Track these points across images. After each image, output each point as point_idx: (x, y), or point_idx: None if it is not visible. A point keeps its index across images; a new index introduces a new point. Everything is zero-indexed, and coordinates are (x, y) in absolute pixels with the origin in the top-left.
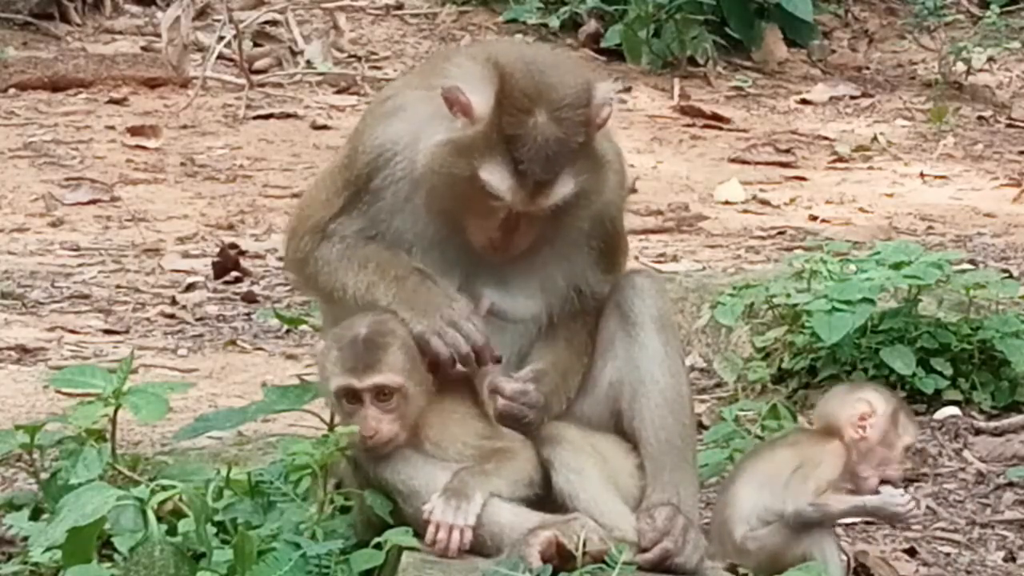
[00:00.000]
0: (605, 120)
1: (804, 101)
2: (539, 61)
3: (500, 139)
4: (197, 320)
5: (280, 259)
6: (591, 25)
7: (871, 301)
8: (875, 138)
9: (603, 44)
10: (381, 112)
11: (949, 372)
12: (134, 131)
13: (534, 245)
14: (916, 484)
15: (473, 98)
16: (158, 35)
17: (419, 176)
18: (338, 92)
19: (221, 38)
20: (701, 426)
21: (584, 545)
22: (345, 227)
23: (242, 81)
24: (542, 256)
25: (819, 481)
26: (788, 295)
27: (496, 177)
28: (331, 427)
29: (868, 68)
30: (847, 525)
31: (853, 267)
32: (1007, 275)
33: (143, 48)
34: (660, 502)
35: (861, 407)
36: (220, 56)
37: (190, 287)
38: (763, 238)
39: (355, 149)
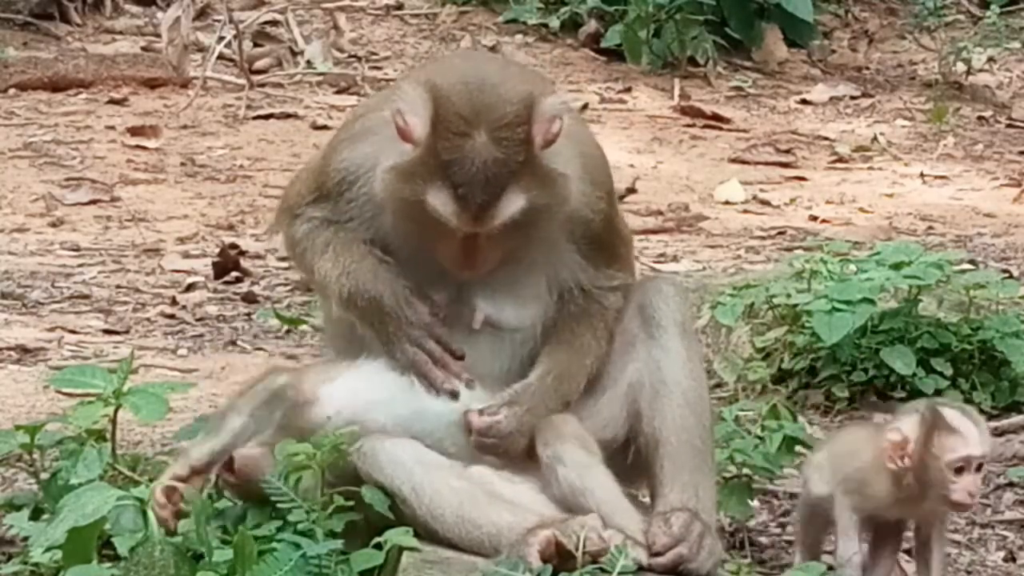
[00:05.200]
0: (553, 135)
1: (804, 101)
2: (480, 80)
3: (438, 164)
4: (197, 320)
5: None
6: (591, 25)
7: (871, 301)
8: (875, 138)
9: (603, 44)
10: (350, 134)
11: (949, 372)
12: (134, 131)
13: (512, 255)
14: None
15: (411, 121)
16: (158, 35)
17: (380, 201)
18: (338, 92)
19: (221, 38)
20: None
21: (584, 545)
22: (313, 212)
23: (242, 81)
24: (526, 264)
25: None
26: (788, 295)
27: (439, 201)
28: None
29: (868, 68)
30: None
31: (853, 267)
32: (1007, 275)
33: (143, 48)
34: (678, 504)
35: (893, 436)
36: (220, 56)
37: (190, 287)
38: (763, 238)
39: (327, 165)
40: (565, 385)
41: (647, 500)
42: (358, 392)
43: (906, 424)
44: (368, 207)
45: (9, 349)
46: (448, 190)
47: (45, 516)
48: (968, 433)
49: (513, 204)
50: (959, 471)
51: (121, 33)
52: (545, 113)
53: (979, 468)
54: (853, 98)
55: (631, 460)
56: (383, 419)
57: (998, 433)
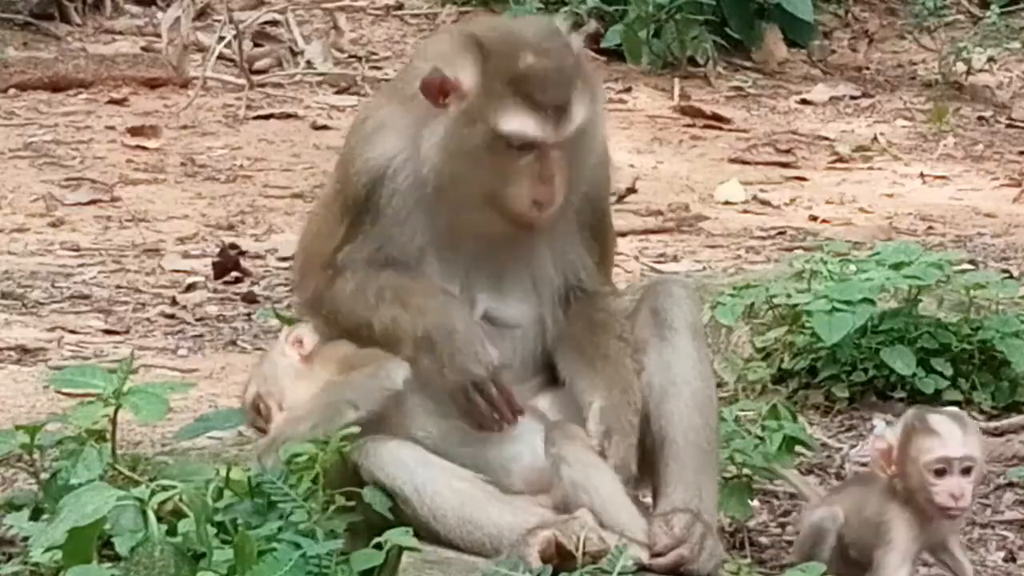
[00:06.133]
0: (580, 48)
1: (804, 101)
2: (496, 20)
3: (503, 88)
4: (197, 320)
5: (293, 297)
6: (591, 25)
7: (871, 301)
8: (875, 138)
9: (603, 44)
10: (365, 133)
11: (949, 372)
12: (134, 131)
13: (530, 243)
14: None
15: (458, 73)
16: (158, 35)
17: (431, 177)
18: (338, 92)
19: (221, 38)
20: None
21: (584, 545)
22: (353, 255)
23: (242, 81)
24: (538, 254)
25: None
26: (788, 295)
27: (517, 122)
28: None
29: (868, 68)
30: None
31: (853, 267)
32: (1007, 275)
33: (143, 48)
34: (680, 504)
35: (879, 444)
36: (220, 56)
37: (190, 287)
38: (763, 238)
39: (347, 174)
40: (630, 393)
41: (647, 499)
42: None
43: (892, 431)
44: (406, 199)
45: (9, 349)
46: (521, 106)
47: (45, 516)
48: (947, 435)
49: (580, 109)
50: (939, 473)
51: (121, 33)
52: (565, 29)
53: (967, 471)
54: (853, 98)
55: (637, 460)
56: (414, 428)
57: (998, 433)
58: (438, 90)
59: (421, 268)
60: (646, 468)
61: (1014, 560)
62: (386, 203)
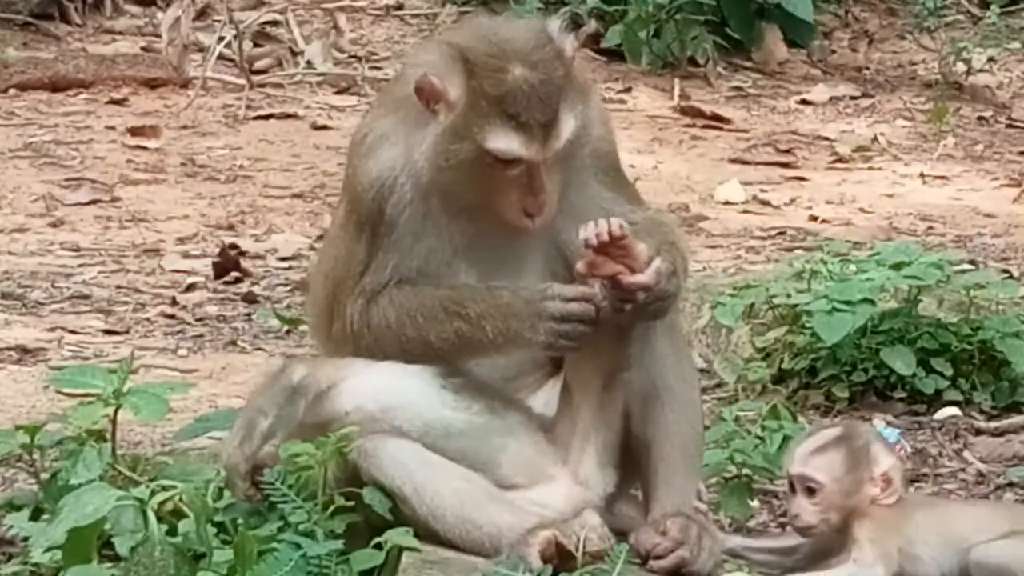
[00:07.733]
0: (573, 53)
1: (804, 101)
2: (488, 27)
3: (489, 104)
4: (197, 320)
5: (318, 332)
6: (591, 25)
7: (871, 301)
8: (875, 138)
9: (603, 44)
10: (365, 148)
11: (949, 372)
12: (134, 131)
13: (551, 235)
14: (916, 484)
15: (445, 81)
16: (158, 35)
17: (427, 185)
18: (338, 92)
19: (221, 38)
20: None
21: (584, 545)
22: (381, 277)
23: (242, 81)
24: (562, 234)
25: None
26: (788, 295)
27: (503, 140)
28: None
29: (868, 68)
30: None
31: (853, 267)
32: (1007, 275)
33: (143, 48)
34: (672, 508)
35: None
36: (220, 56)
37: (190, 287)
38: (763, 238)
39: (355, 191)
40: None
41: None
42: (381, 391)
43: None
44: (415, 208)
45: (9, 349)
46: (507, 125)
47: (45, 516)
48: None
49: (568, 121)
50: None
51: (121, 33)
52: (558, 32)
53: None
54: (853, 98)
55: (623, 460)
56: (403, 423)
57: (998, 433)
58: (429, 95)
59: (446, 274)
60: (634, 469)
61: None
62: (398, 214)
